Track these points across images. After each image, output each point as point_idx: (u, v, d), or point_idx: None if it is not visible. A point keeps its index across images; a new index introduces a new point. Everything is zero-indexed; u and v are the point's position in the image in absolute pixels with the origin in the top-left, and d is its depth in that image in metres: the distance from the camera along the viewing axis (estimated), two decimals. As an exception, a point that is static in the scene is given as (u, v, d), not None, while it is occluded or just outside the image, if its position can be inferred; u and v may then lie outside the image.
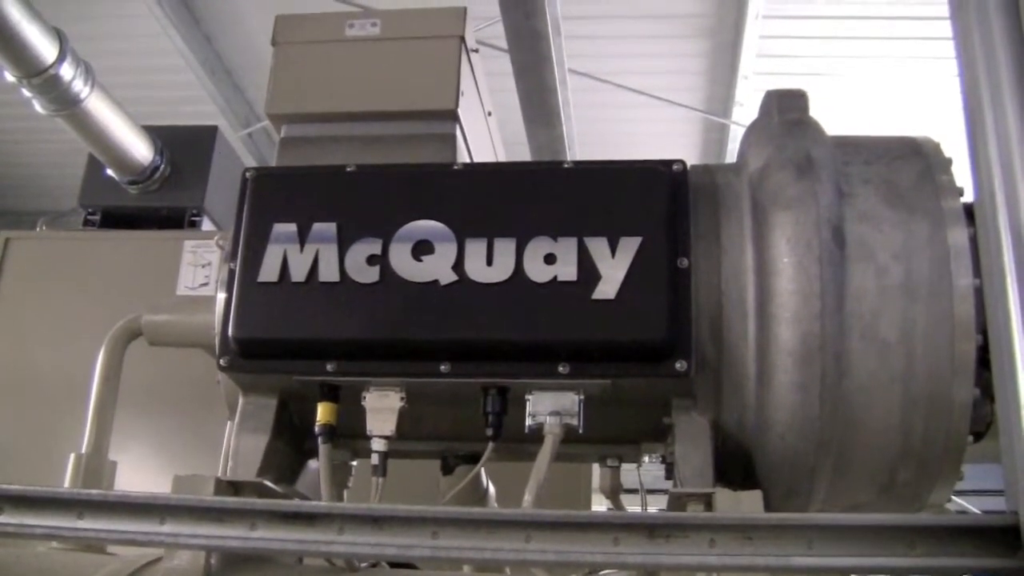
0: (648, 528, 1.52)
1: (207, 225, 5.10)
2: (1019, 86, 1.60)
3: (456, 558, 1.62)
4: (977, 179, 1.70)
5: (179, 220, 5.09)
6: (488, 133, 3.06)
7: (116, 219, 5.14)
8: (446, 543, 1.53)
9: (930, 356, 2.08)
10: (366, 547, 1.56)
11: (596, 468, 2.55)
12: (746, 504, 1.93)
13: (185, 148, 5.28)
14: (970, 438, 2.14)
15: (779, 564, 1.53)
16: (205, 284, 4.43)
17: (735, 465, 2.22)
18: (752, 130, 2.38)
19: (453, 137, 2.64)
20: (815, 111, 2.33)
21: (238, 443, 2.31)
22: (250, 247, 2.28)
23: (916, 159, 2.25)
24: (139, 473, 3.40)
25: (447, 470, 2.54)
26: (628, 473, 2.53)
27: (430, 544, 1.53)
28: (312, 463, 2.50)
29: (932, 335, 2.08)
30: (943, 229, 2.13)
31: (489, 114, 3.07)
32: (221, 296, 2.34)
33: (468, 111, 2.72)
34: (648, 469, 2.61)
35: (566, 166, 2.39)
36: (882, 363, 2.08)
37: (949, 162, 2.24)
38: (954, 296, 2.09)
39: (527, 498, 2.08)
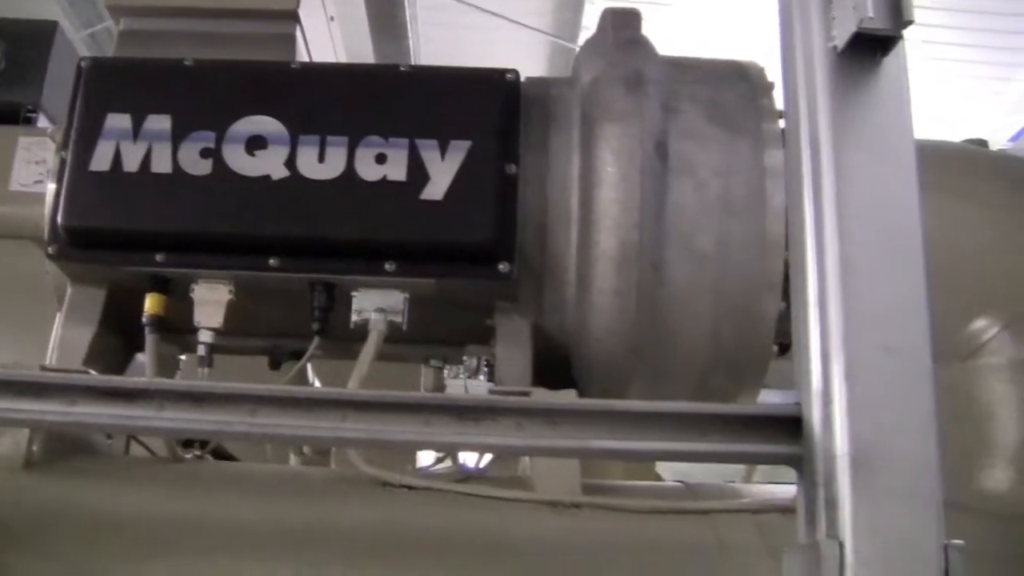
0: (458, 410, 1.57)
1: (43, 123, 4.95)
2: (825, 14, 1.68)
3: (273, 435, 1.64)
4: (787, 100, 1.78)
5: (14, 116, 4.92)
6: (330, 38, 3.06)
7: (-54, 113, 4.97)
8: (264, 420, 1.56)
9: (742, 269, 2.19)
10: (185, 423, 1.58)
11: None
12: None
13: (23, 42, 5.07)
14: (775, 349, 2.27)
15: (579, 446, 1.61)
16: (39, 181, 4.32)
17: (554, 368, 2.30)
18: (587, 46, 2.45)
19: (292, 37, 2.64)
20: (657, 38, 2.39)
21: (64, 333, 2.31)
22: (83, 136, 2.26)
23: (741, 82, 2.35)
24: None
25: (275, 366, 2.56)
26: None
27: (248, 421, 1.56)
28: (140, 357, 2.49)
29: (745, 250, 2.19)
30: (761, 149, 2.23)
31: (332, 19, 3.07)
32: (51, 186, 2.31)
33: (309, 13, 2.72)
34: (475, 384, 2.69)
35: (402, 69, 2.41)
36: (697, 273, 2.19)
37: (771, 86, 2.34)
38: (767, 214, 2.20)
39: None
